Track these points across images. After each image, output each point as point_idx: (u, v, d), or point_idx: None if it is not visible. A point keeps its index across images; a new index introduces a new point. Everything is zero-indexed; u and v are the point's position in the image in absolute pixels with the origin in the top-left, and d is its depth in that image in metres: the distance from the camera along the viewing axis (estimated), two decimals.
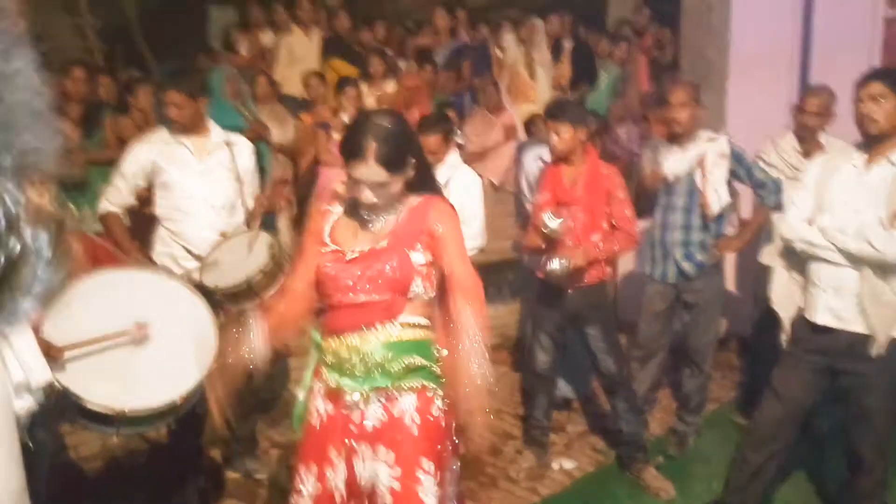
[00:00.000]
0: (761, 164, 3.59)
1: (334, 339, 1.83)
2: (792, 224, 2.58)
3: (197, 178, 2.91)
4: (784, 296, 2.65)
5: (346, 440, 1.80)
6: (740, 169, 3.30)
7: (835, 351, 2.49)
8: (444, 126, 3.29)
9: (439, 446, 1.81)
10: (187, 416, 2.49)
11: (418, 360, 1.81)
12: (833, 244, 2.42)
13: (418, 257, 1.79)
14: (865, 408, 2.50)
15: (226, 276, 2.65)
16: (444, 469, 1.81)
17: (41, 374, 1.58)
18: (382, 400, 1.79)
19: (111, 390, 2.03)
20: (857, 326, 2.43)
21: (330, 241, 1.85)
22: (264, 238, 2.77)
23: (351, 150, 1.74)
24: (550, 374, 3.37)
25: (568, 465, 3.39)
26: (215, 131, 3.01)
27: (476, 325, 1.71)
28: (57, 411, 2.03)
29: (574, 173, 3.12)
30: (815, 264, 2.51)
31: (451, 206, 1.90)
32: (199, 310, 2.35)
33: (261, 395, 3.60)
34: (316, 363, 1.90)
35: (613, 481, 3.27)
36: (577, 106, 3.35)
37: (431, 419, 1.80)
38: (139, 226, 3.15)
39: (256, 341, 1.79)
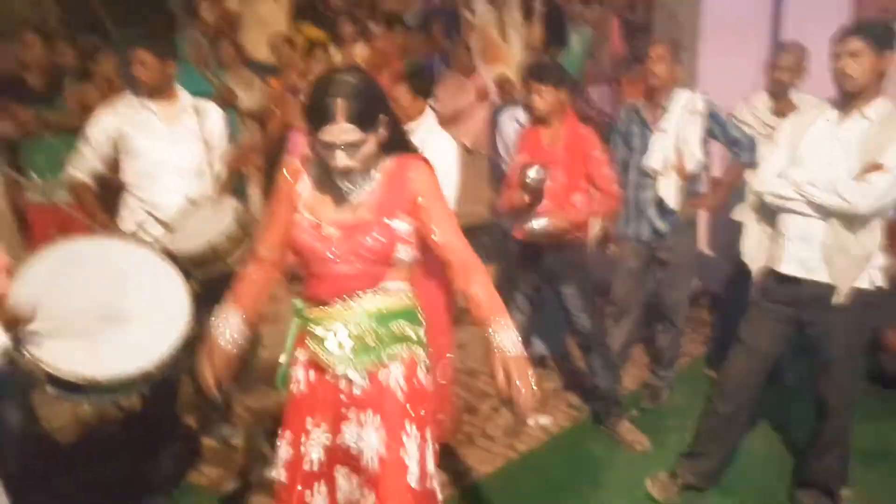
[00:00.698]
0: (734, 121, 3.61)
1: (317, 308, 1.80)
2: (763, 178, 2.60)
3: (164, 143, 2.85)
4: (754, 247, 2.68)
5: (335, 406, 1.79)
6: (715, 126, 3.32)
7: (800, 301, 2.53)
8: (417, 82, 3.24)
9: (423, 411, 1.82)
10: (160, 384, 2.45)
11: (405, 328, 1.81)
12: (804, 197, 2.45)
13: (401, 225, 1.74)
14: (829, 357, 2.56)
15: (190, 242, 2.60)
16: (424, 431, 1.81)
17: None
18: (370, 368, 1.79)
19: (82, 359, 1.99)
20: (823, 276, 2.47)
21: (305, 209, 1.77)
22: (230, 203, 2.73)
23: (319, 112, 1.63)
24: (525, 333, 3.38)
25: (544, 420, 3.43)
26: (184, 97, 2.95)
27: (493, 296, 1.70)
28: (25, 382, 1.99)
29: (553, 134, 3.11)
30: (785, 215, 2.53)
31: (429, 165, 1.84)
32: (171, 276, 2.32)
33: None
34: (298, 330, 1.87)
35: (589, 436, 3.32)
36: (558, 67, 3.33)
37: (416, 385, 1.81)
38: (106, 193, 3.07)
39: (232, 327, 1.83)
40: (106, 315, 2.11)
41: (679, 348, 3.71)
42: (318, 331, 1.80)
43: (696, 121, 3.30)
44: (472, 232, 4.92)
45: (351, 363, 1.77)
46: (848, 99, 2.43)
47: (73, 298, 2.08)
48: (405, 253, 1.76)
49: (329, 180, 1.75)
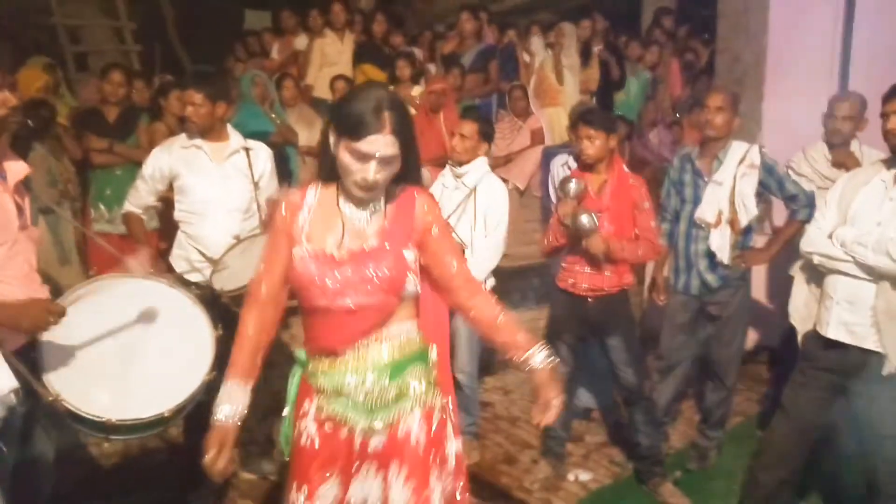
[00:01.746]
0: (791, 173, 3.49)
1: (325, 358, 1.72)
2: (811, 237, 2.52)
3: (213, 182, 2.95)
4: (801, 308, 2.60)
5: (348, 462, 1.72)
6: (771, 180, 3.20)
7: (845, 369, 2.41)
8: (483, 121, 3.27)
9: (441, 454, 1.78)
10: (202, 417, 2.52)
11: (420, 374, 1.75)
12: (852, 256, 2.35)
13: (409, 255, 1.70)
14: (875, 431, 2.40)
15: (232, 280, 2.67)
16: (443, 473, 1.78)
17: (5, 382, 1.58)
18: (388, 421, 1.72)
19: (102, 398, 2.03)
20: (870, 343, 2.34)
21: (306, 241, 1.68)
22: None
23: (363, 120, 1.56)
24: (568, 384, 3.31)
25: (584, 476, 3.33)
26: (234, 138, 3.04)
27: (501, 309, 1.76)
28: (53, 416, 2.04)
29: (600, 181, 3.09)
30: (832, 277, 2.43)
31: (433, 197, 1.83)
32: (199, 322, 2.32)
33: (278, 395, 3.64)
34: (301, 378, 1.79)
35: (629, 495, 3.20)
36: (608, 113, 3.32)
37: (434, 432, 1.77)
38: (168, 230, 3.19)
39: (236, 403, 1.70)
40: (130, 357, 2.15)
41: (730, 407, 3.55)
42: (329, 384, 1.71)
43: (751, 174, 3.20)
44: (523, 273, 4.90)
45: (369, 417, 1.70)
46: None
47: (99, 337, 2.12)
48: (413, 283, 1.71)
49: (334, 208, 1.69)
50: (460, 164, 3.32)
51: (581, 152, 3.06)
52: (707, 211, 3.25)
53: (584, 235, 2.95)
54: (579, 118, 3.13)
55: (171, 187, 3.00)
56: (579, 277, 3.11)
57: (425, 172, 3.19)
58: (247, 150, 3.02)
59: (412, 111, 4.96)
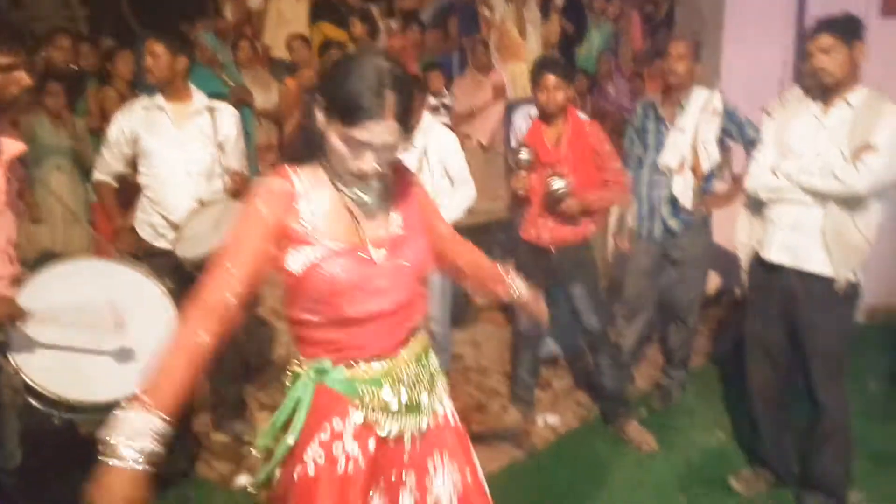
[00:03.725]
0: (765, 118, 3.55)
1: (360, 365, 1.45)
2: (755, 174, 2.65)
3: (174, 145, 2.89)
4: (745, 241, 2.75)
5: (399, 473, 1.50)
6: (732, 126, 3.27)
7: (785, 290, 2.58)
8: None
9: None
10: None
11: (433, 358, 1.60)
12: (799, 185, 2.49)
13: (424, 237, 1.53)
14: (815, 350, 2.57)
15: (195, 247, 2.63)
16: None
17: None
18: (430, 417, 1.55)
19: (61, 378, 2.03)
20: (811, 265, 2.51)
21: (323, 238, 1.39)
22: (234, 207, 2.75)
23: (360, 105, 1.29)
24: (534, 333, 3.38)
25: (552, 420, 3.43)
26: (198, 97, 2.97)
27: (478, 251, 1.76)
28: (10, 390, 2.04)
29: (556, 133, 3.10)
30: (777, 207, 2.58)
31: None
32: (167, 315, 2.31)
33: (248, 359, 3.64)
34: (315, 394, 1.44)
35: (597, 436, 3.31)
36: (567, 63, 3.33)
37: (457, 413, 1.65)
38: (130, 195, 3.15)
39: (144, 440, 1.21)
40: (97, 339, 2.14)
41: (691, 348, 3.67)
42: (372, 392, 1.45)
43: (713, 120, 3.26)
44: (487, 229, 4.96)
45: (416, 417, 1.51)
46: (828, 92, 2.48)
47: (68, 318, 2.11)
48: (430, 268, 1.56)
49: (332, 193, 1.42)
50: None
51: (545, 103, 3.07)
52: (670, 157, 3.31)
53: (558, 200, 2.98)
54: (542, 67, 3.13)
55: None
56: (543, 230, 3.15)
57: None
58: (211, 110, 2.95)
59: None
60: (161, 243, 2.89)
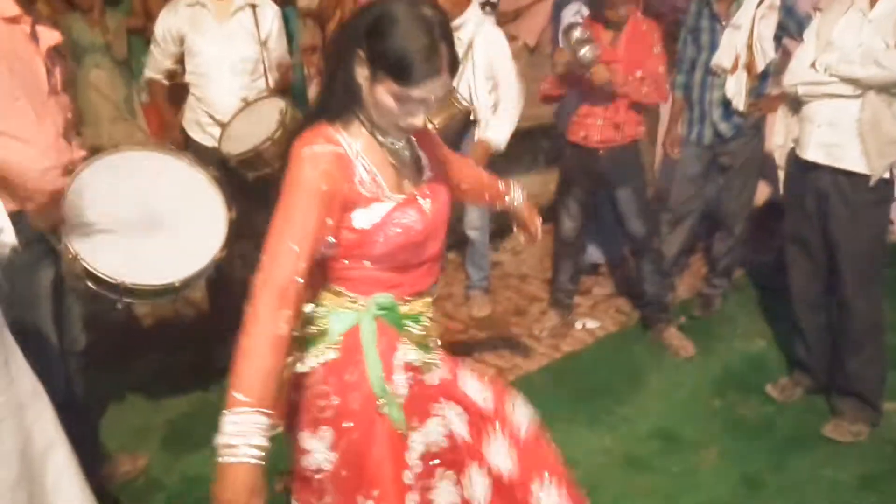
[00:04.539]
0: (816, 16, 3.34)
1: (404, 302, 1.49)
2: (793, 70, 2.61)
3: (217, 41, 2.88)
4: (782, 144, 2.74)
5: (433, 405, 1.55)
6: (790, 21, 3.09)
7: (821, 189, 2.57)
8: None
9: None
10: (223, 283, 2.64)
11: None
12: (838, 75, 2.44)
13: (445, 172, 1.58)
14: (846, 253, 2.57)
15: (238, 144, 2.66)
16: None
17: (7, 236, 1.61)
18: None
19: (119, 263, 2.10)
20: (846, 163, 2.48)
21: (390, 192, 1.40)
22: (276, 103, 2.75)
23: (415, 64, 1.26)
24: (576, 240, 3.38)
25: (591, 324, 3.47)
26: None
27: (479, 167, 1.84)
28: (72, 276, 2.12)
29: (615, 34, 3.02)
30: (814, 104, 2.54)
31: None
32: (215, 202, 2.35)
33: None
34: (377, 332, 1.46)
35: (634, 340, 3.35)
36: None
37: None
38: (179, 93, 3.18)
39: (254, 439, 1.25)
40: (148, 226, 2.21)
41: (736, 257, 3.61)
42: (415, 329, 1.51)
43: (771, 16, 3.09)
44: (533, 135, 4.86)
45: (433, 354, 1.56)
46: None
47: (119, 206, 2.18)
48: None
49: (373, 146, 1.40)
50: (451, 18, 3.15)
51: (613, 18, 2.97)
52: (724, 56, 3.18)
53: (587, 67, 2.89)
54: None
55: None
56: (591, 130, 3.10)
57: None
58: (253, 6, 2.92)
59: None
60: (208, 141, 2.93)
